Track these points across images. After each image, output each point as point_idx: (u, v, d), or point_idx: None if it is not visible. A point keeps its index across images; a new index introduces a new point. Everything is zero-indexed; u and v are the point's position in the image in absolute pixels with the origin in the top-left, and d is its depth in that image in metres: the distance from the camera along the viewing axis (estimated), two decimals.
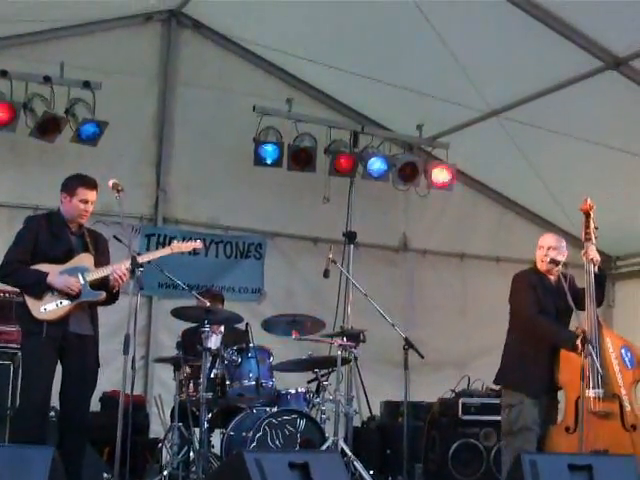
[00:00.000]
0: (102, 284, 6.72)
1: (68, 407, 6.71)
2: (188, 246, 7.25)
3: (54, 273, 6.57)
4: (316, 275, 9.36)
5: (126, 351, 5.55)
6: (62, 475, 4.84)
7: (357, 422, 9.52)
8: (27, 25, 9.27)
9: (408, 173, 10.52)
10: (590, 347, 6.92)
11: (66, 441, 6.52)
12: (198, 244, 7.38)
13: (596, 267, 7.35)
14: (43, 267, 6.61)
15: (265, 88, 10.58)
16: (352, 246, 9.84)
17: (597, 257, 7.34)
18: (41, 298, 6.54)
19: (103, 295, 6.71)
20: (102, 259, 6.86)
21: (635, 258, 11.84)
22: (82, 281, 6.61)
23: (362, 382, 9.79)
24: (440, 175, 10.51)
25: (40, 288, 6.53)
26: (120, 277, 6.54)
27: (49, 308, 6.54)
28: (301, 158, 10.10)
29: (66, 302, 6.58)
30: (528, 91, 9.52)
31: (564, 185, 10.57)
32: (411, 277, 11.52)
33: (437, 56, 9.17)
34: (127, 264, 6.48)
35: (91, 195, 6.74)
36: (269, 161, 9.98)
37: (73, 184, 6.77)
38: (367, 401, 10.01)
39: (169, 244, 8.81)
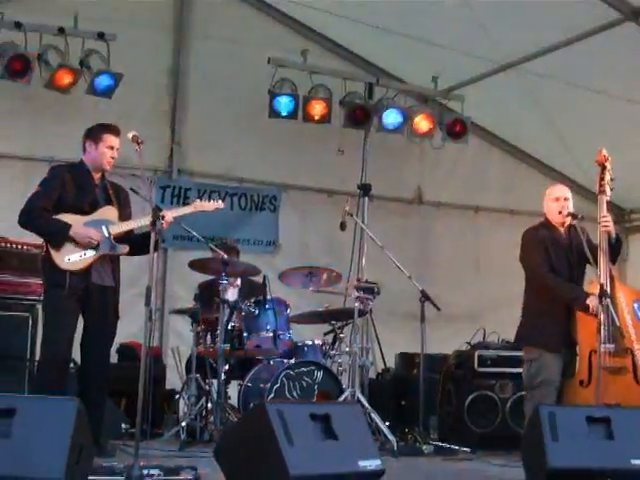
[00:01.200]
0: (126, 237, 6.74)
1: (89, 359, 6.74)
2: (211, 205, 7.23)
3: (78, 224, 6.57)
4: (330, 227, 9.36)
5: (148, 302, 5.54)
6: (86, 426, 4.86)
7: (372, 374, 9.56)
8: None
9: (423, 126, 10.51)
10: (604, 302, 6.90)
11: (86, 392, 6.51)
12: (220, 204, 7.34)
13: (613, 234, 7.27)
14: (67, 217, 6.60)
15: (280, 40, 10.46)
16: (366, 199, 9.82)
17: (612, 230, 7.23)
18: (63, 248, 6.54)
19: (126, 249, 6.75)
20: (125, 211, 6.88)
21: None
22: (106, 234, 6.64)
23: (377, 334, 9.82)
24: (454, 127, 10.52)
25: (62, 238, 6.52)
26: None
27: (73, 258, 6.54)
28: (316, 110, 10.06)
29: (90, 253, 6.60)
30: (545, 43, 9.41)
31: (580, 138, 10.49)
32: (425, 230, 11.50)
33: (453, 7, 9.09)
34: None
35: (116, 141, 6.76)
36: (284, 113, 9.94)
37: (99, 131, 6.78)
38: (381, 353, 10.04)
39: (184, 196, 8.93)
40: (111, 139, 6.74)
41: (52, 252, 6.56)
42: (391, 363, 10.17)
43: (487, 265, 11.46)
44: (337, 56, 10.89)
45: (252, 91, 10.13)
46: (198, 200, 7.47)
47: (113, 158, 6.76)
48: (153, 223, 5.82)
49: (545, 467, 5.44)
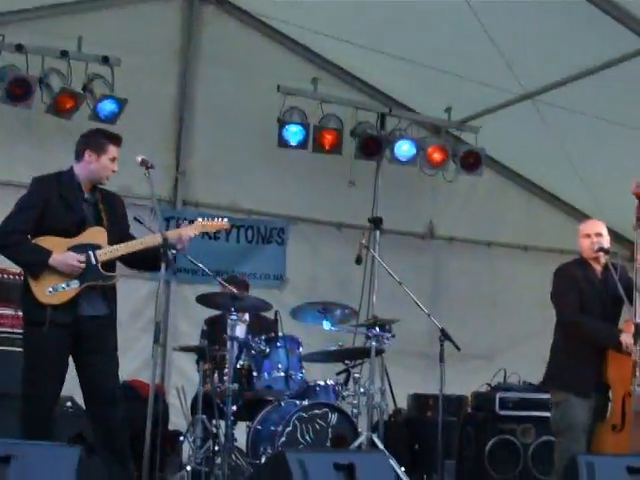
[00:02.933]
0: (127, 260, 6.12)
1: (96, 382, 5.94)
2: (214, 225, 6.50)
3: (60, 250, 5.86)
4: (340, 262, 9.05)
5: (157, 339, 5.12)
6: (90, 475, 4.46)
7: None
8: None
9: (435, 158, 10.22)
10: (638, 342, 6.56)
11: (103, 417, 5.90)
12: (225, 224, 6.59)
13: None
14: (48, 241, 5.88)
15: (289, 67, 10.19)
16: (378, 232, 9.51)
17: None
18: (44, 278, 5.82)
19: (116, 279, 6.02)
20: (121, 224, 6.20)
21: None
22: (93, 261, 5.88)
23: (387, 374, 9.45)
24: (468, 160, 10.23)
25: (41, 267, 5.81)
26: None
27: (56, 289, 5.81)
28: (327, 140, 9.78)
29: (74, 284, 5.84)
30: (565, 73, 9.13)
31: (597, 172, 10.22)
32: (437, 265, 11.18)
33: (469, 36, 8.78)
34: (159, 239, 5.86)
35: (118, 152, 6.13)
36: (293, 143, 9.68)
37: (102, 140, 6.08)
38: (392, 394, 9.67)
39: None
40: (115, 150, 6.08)
41: (31, 283, 5.85)
42: (402, 404, 9.79)
43: (501, 302, 11.15)
44: (348, 85, 10.62)
45: (261, 120, 9.82)
46: (200, 219, 6.53)
47: (114, 172, 6.11)
48: (163, 253, 5.39)
49: None
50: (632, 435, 6.44)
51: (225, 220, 6.66)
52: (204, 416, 7.41)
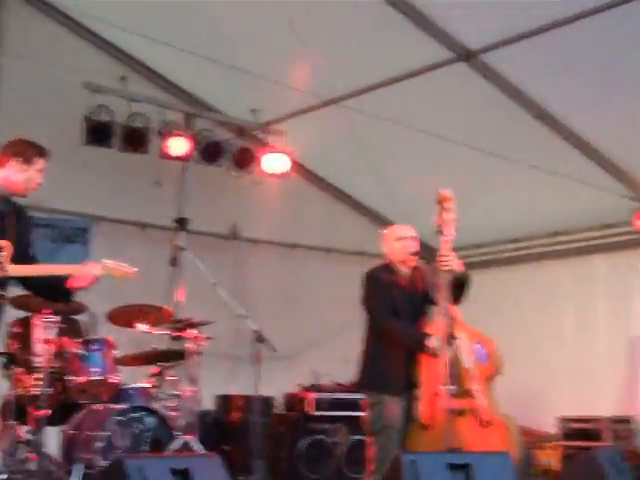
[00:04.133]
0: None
1: None
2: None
3: None
4: (144, 262, 8.87)
5: None
6: None
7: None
8: None
9: (242, 159, 10.28)
10: (444, 345, 6.76)
11: None
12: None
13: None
14: None
15: (95, 64, 9.98)
16: (184, 233, 9.47)
17: (453, 266, 6.90)
18: None
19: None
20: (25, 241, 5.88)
21: (479, 249, 11.88)
22: None
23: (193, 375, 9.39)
24: (274, 163, 10.30)
25: None
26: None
27: None
28: (133, 139, 9.71)
29: None
30: (372, 80, 9.36)
31: (399, 179, 10.52)
32: (240, 266, 11.19)
33: (278, 39, 8.88)
34: None
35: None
36: (99, 141, 9.50)
37: (32, 151, 5.85)
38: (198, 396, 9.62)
39: None
40: (42, 162, 5.87)
41: None
42: (208, 406, 9.77)
43: (304, 303, 11.30)
44: (154, 84, 10.55)
45: (66, 117, 9.57)
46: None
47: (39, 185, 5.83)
48: None
49: None
50: (443, 433, 6.64)
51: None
52: (14, 422, 7.16)
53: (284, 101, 10.09)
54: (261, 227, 11.32)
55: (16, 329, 7.70)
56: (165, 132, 9.87)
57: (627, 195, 9.91)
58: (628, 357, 10.50)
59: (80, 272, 5.93)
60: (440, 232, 7.02)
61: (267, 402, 8.81)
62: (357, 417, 7.72)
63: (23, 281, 5.87)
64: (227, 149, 10.17)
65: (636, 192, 9.98)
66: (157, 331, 7.85)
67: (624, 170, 9.88)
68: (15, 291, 7.81)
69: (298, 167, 11.18)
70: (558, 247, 11.32)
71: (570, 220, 10.93)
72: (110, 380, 7.35)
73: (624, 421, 9.93)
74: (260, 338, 7.58)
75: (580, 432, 9.89)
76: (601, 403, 10.33)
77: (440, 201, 7.10)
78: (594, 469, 6.07)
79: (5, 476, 6.75)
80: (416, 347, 6.98)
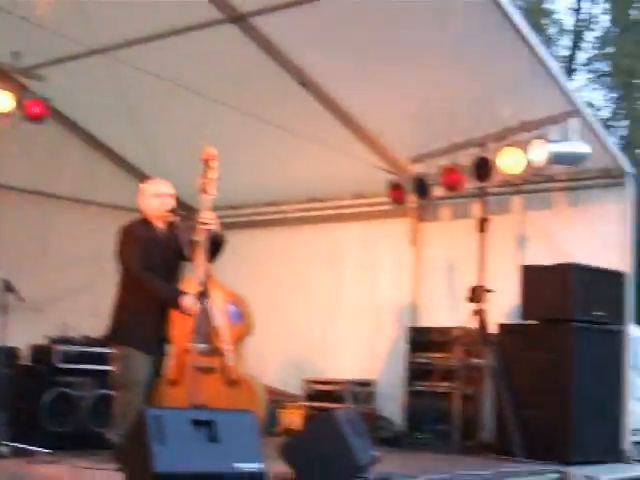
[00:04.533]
0: None
1: None
2: None
3: None
4: None
5: None
6: None
7: None
8: None
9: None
10: (197, 302, 6.81)
11: None
12: None
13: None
14: None
15: None
16: None
17: (214, 229, 7.03)
18: None
19: None
20: None
21: (237, 210, 11.92)
22: None
23: None
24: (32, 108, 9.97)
25: None
26: None
27: None
28: None
29: None
30: (141, 33, 9.19)
31: (162, 135, 10.46)
32: None
33: None
34: None
35: None
36: None
37: None
38: None
39: None
40: None
41: None
42: None
43: (55, 254, 11.07)
44: None
45: None
46: None
47: None
48: None
49: (150, 472, 5.27)
50: (189, 389, 6.71)
51: None
52: None
53: (49, 47, 9.74)
54: (15, 174, 10.89)
55: None
56: None
57: (383, 168, 10.25)
58: (372, 323, 10.90)
59: None
60: (203, 191, 7.05)
61: (12, 352, 8.57)
62: (105, 371, 7.64)
63: None
64: None
65: (392, 166, 10.34)
66: None
67: (381, 144, 10.22)
68: None
69: (57, 115, 10.86)
70: (314, 213, 11.60)
71: (327, 188, 11.21)
72: None
73: (364, 384, 10.35)
74: (9, 287, 7.34)
75: (323, 394, 10.22)
76: (346, 367, 10.70)
77: (206, 159, 7.13)
78: (332, 428, 6.30)
79: None
80: (169, 303, 7.02)
